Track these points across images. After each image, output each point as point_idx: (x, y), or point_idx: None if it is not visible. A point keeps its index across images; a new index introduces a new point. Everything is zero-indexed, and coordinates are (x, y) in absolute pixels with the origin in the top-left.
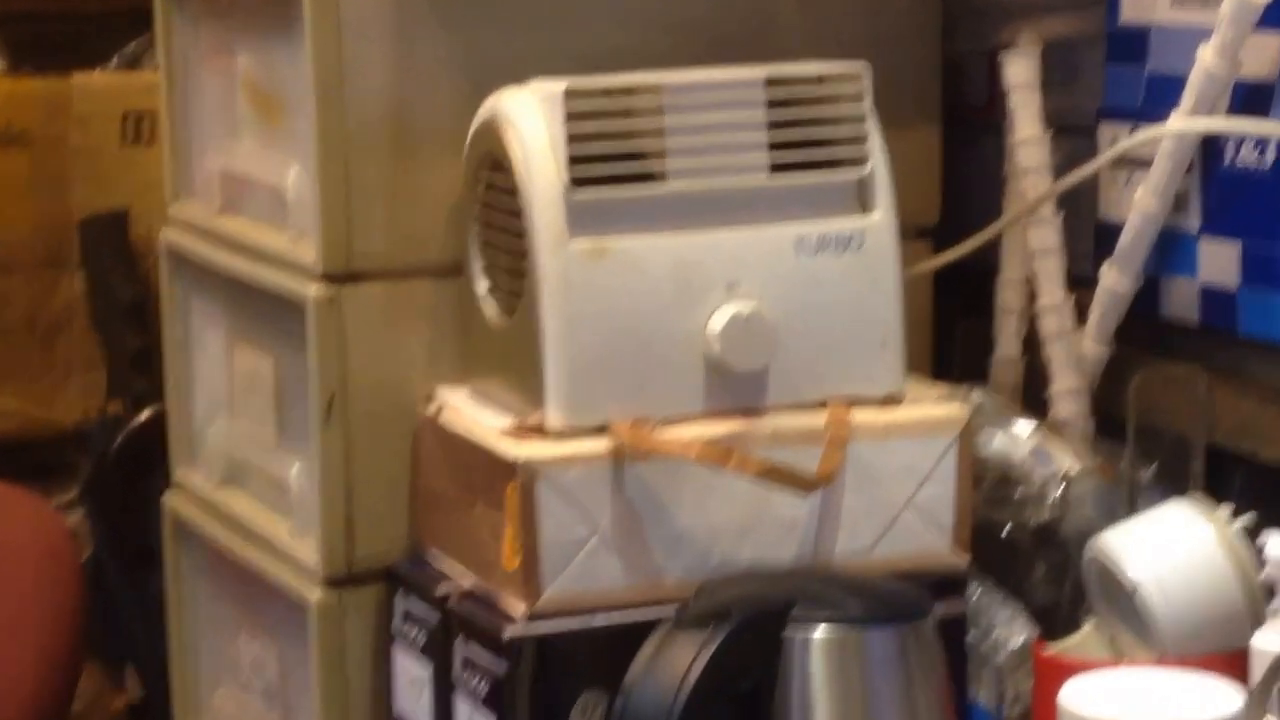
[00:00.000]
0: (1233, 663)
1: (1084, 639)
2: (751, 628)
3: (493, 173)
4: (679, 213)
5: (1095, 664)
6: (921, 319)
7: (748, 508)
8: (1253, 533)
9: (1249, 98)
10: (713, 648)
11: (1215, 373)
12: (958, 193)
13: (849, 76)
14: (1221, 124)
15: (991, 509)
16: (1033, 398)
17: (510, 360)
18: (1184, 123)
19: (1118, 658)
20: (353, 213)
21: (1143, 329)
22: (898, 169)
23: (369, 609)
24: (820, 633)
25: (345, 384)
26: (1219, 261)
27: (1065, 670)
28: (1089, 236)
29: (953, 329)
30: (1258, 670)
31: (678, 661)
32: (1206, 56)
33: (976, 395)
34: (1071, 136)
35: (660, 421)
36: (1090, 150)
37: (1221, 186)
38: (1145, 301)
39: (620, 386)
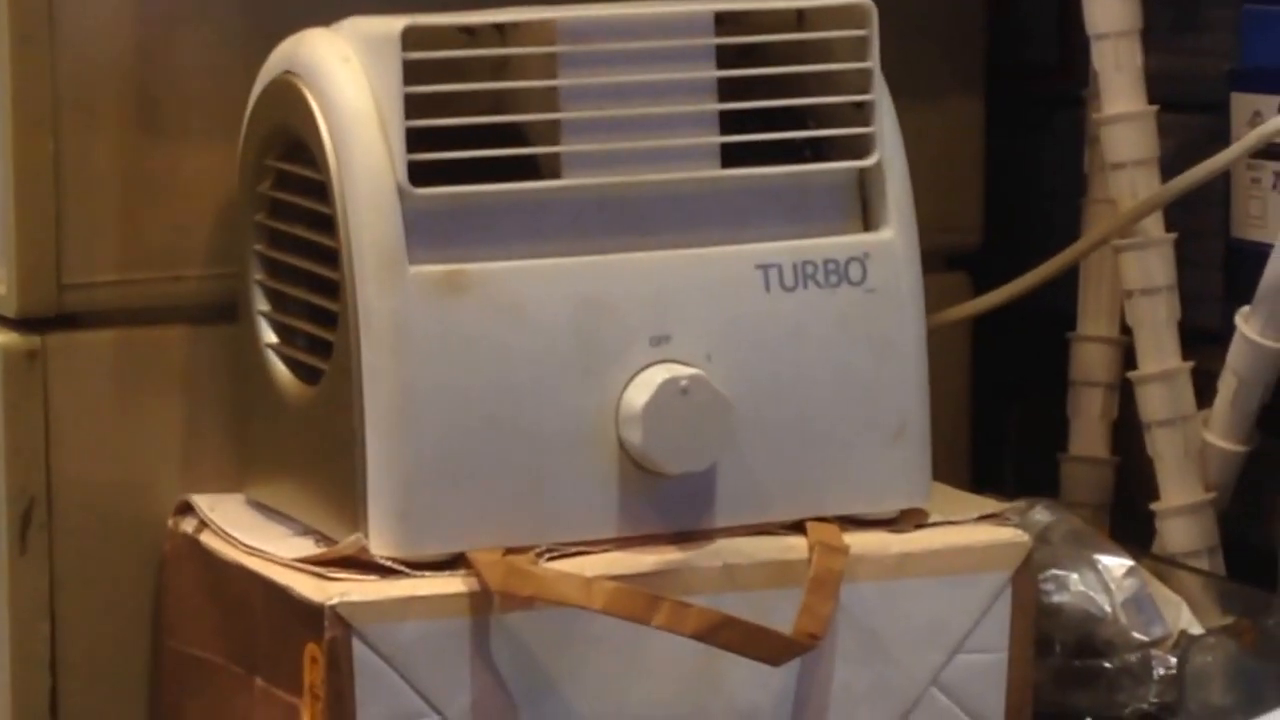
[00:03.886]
0: None
1: None
2: None
3: (285, 161)
4: (579, 224)
5: None
6: (957, 394)
7: (685, 685)
8: None
9: None
10: None
11: None
12: (1012, 199)
13: (844, 15)
14: None
15: (1065, 690)
16: (1129, 518)
17: (312, 452)
18: None
19: None
20: (65, 223)
21: None
22: (920, 162)
23: None
24: None
25: (51, 487)
26: None
27: None
28: (1216, 269)
29: (1005, 411)
30: None
31: None
32: None
33: (1041, 513)
34: (1190, 114)
35: (548, 551)
36: (1219, 135)
37: None
38: None
39: (485, 496)
